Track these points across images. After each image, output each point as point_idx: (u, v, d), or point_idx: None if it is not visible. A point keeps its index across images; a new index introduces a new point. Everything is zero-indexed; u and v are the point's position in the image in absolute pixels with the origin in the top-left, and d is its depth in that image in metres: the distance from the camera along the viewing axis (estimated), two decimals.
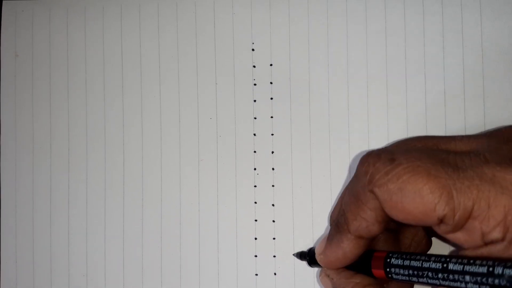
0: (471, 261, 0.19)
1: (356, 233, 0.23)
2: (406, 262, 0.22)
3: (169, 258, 0.33)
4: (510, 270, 0.18)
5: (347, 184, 0.27)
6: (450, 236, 0.21)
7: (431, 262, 0.21)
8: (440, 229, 0.21)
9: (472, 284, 0.19)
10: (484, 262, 0.19)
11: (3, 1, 0.35)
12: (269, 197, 0.33)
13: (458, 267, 0.20)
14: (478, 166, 0.19)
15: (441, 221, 0.20)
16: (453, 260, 0.20)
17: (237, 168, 0.33)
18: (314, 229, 0.32)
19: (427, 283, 0.21)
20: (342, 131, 0.32)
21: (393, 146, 0.25)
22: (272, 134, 0.33)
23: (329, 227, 0.29)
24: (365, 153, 0.23)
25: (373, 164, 0.22)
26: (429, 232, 0.26)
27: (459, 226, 0.20)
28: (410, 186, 0.20)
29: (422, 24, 0.32)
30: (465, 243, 0.20)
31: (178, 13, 0.34)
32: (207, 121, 0.33)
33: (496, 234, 0.19)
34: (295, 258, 0.32)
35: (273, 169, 0.33)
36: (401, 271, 0.22)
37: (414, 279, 0.22)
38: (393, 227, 0.26)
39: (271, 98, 0.33)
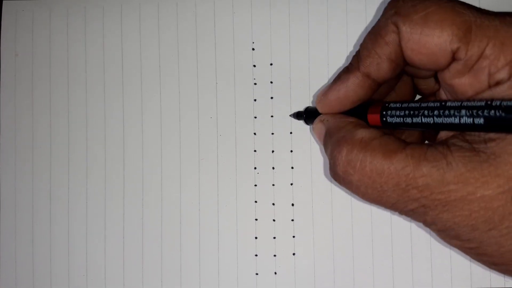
0: (470, 99, 0.20)
1: (365, 70, 0.23)
2: (404, 105, 0.22)
3: (169, 258, 0.33)
4: (509, 102, 0.18)
5: None
6: (456, 82, 0.21)
7: (429, 103, 0.21)
8: (450, 71, 0.21)
9: (466, 118, 0.19)
10: (483, 99, 0.19)
11: (3, 1, 0.35)
12: (269, 196, 0.33)
13: (456, 104, 0.20)
14: (501, 15, 0.20)
15: (453, 58, 0.20)
16: (451, 100, 0.20)
17: (237, 167, 0.33)
18: (314, 226, 0.32)
19: (421, 124, 0.21)
20: None
21: None
22: (272, 133, 0.33)
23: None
24: None
25: (403, 0, 0.22)
26: None
27: (469, 65, 0.20)
28: (433, 17, 0.20)
29: None
30: (469, 88, 0.21)
31: (178, 13, 0.34)
32: (208, 120, 0.33)
33: (503, 74, 0.19)
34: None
35: (273, 168, 0.33)
36: (397, 113, 0.22)
37: (408, 119, 0.22)
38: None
39: (271, 98, 0.33)
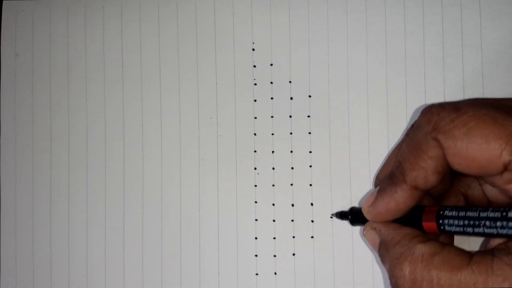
0: None
1: (413, 183, 0.23)
2: (462, 213, 0.22)
3: (169, 258, 0.33)
4: None
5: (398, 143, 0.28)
6: (511, 187, 0.21)
7: (488, 212, 0.21)
8: (503, 178, 0.21)
9: None
10: None
11: (3, 1, 0.35)
12: (269, 196, 0.33)
13: None
14: None
15: (505, 168, 0.20)
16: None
17: (237, 168, 0.33)
18: (314, 228, 0.32)
19: (483, 234, 0.21)
20: (342, 131, 0.32)
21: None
22: (273, 134, 0.33)
23: (373, 189, 0.29)
24: (425, 105, 0.23)
25: (438, 113, 0.22)
26: (469, 199, 0.27)
27: None
28: (476, 132, 0.20)
29: (422, 24, 0.32)
30: None
31: (178, 13, 0.34)
32: (208, 121, 0.33)
33: None
34: (335, 218, 0.32)
35: (273, 168, 0.33)
36: (455, 222, 0.22)
37: (469, 229, 0.21)
38: (437, 192, 0.26)
39: (272, 98, 0.33)
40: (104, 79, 0.34)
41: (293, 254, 0.32)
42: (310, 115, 0.33)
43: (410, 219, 0.25)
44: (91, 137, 0.34)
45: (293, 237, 0.32)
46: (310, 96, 0.33)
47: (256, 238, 0.33)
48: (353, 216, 0.29)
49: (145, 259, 0.33)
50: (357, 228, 0.32)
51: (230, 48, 0.34)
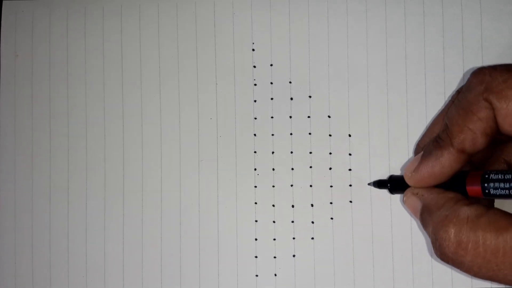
0: None
1: (460, 146, 0.23)
2: (508, 176, 0.22)
3: (169, 259, 0.33)
4: None
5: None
6: None
7: None
8: None
9: None
10: None
11: (3, 1, 0.35)
12: (269, 197, 0.33)
13: None
14: None
15: None
16: None
17: (237, 169, 0.33)
18: (314, 229, 0.32)
19: None
20: (342, 131, 0.32)
21: None
22: (273, 135, 0.33)
23: (413, 156, 0.29)
24: (475, 68, 0.23)
25: (490, 74, 0.22)
26: None
27: None
28: None
29: (422, 24, 0.32)
30: None
31: (178, 13, 0.34)
32: (207, 121, 0.33)
33: None
34: (372, 187, 0.31)
35: (273, 169, 0.33)
36: (501, 185, 0.22)
37: None
38: (479, 159, 0.26)
39: (272, 98, 0.33)
40: (104, 79, 0.34)
41: (293, 256, 0.32)
42: (310, 116, 0.33)
43: (453, 184, 0.24)
44: (90, 137, 0.34)
45: (293, 238, 0.32)
46: (310, 97, 0.33)
47: (256, 239, 0.33)
48: (392, 184, 0.28)
49: (145, 260, 0.33)
50: (358, 229, 0.32)
51: (230, 48, 0.33)
